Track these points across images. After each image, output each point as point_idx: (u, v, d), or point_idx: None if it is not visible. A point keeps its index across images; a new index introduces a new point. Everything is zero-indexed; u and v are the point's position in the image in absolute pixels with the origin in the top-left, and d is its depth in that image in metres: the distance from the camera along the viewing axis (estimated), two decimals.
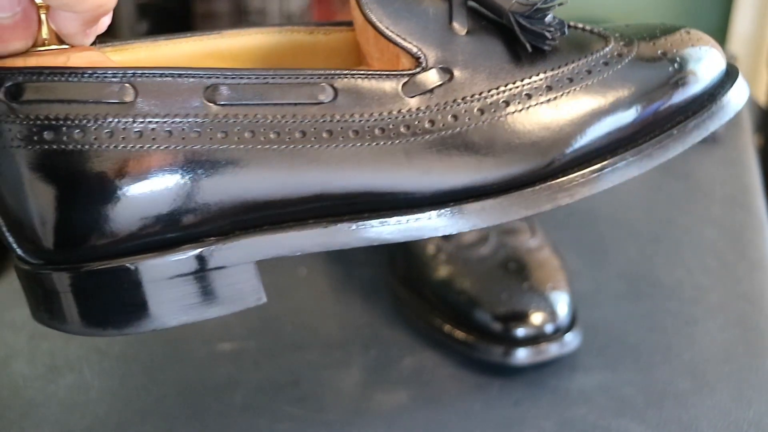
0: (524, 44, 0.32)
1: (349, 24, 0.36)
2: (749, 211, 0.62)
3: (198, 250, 0.30)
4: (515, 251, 0.47)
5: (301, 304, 0.51)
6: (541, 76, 0.33)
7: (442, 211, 0.32)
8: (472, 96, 0.32)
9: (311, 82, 0.30)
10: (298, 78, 0.30)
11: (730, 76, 0.35)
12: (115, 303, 0.30)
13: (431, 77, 0.32)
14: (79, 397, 0.43)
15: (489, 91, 0.32)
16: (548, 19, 0.33)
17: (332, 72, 0.31)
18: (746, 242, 0.57)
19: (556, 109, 0.32)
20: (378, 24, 0.32)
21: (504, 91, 0.32)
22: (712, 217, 0.61)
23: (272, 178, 0.30)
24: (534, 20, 0.33)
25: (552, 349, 0.44)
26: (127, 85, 0.28)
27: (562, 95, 0.32)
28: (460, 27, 0.33)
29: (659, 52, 0.34)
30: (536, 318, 0.44)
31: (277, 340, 0.47)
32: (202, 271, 0.30)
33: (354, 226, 0.31)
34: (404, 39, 0.32)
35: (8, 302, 0.51)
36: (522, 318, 0.44)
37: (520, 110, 0.32)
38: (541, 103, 0.32)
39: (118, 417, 0.42)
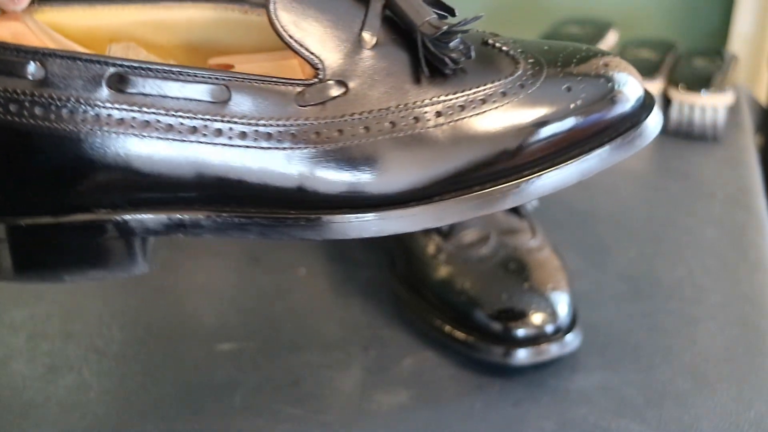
0: (423, 67, 0.32)
1: None
2: (750, 212, 0.62)
3: (90, 217, 0.33)
4: (515, 251, 0.47)
5: (301, 304, 0.51)
6: (434, 100, 0.32)
7: (313, 217, 0.33)
8: (361, 113, 0.32)
9: (209, 81, 0.32)
10: (197, 76, 0.32)
11: (647, 104, 0.35)
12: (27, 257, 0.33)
13: (327, 89, 0.32)
14: (79, 397, 0.43)
15: (378, 111, 0.32)
16: (454, 43, 0.32)
17: (231, 75, 0.32)
18: (747, 242, 0.57)
19: (441, 133, 0.32)
20: (280, 30, 0.32)
21: (393, 112, 0.32)
22: (712, 217, 0.61)
23: (159, 164, 0.32)
24: (439, 44, 0.32)
25: (552, 350, 0.44)
26: (37, 63, 0.30)
27: (450, 122, 0.32)
28: (369, 38, 0.33)
29: (565, 80, 0.33)
30: (536, 318, 0.44)
31: (277, 340, 0.47)
32: (95, 237, 0.33)
33: (237, 220, 0.33)
34: (305, 48, 0.32)
35: (8, 302, 0.51)
36: (522, 318, 0.44)
37: (408, 133, 0.32)
38: (429, 127, 0.32)
39: (117, 417, 0.42)
